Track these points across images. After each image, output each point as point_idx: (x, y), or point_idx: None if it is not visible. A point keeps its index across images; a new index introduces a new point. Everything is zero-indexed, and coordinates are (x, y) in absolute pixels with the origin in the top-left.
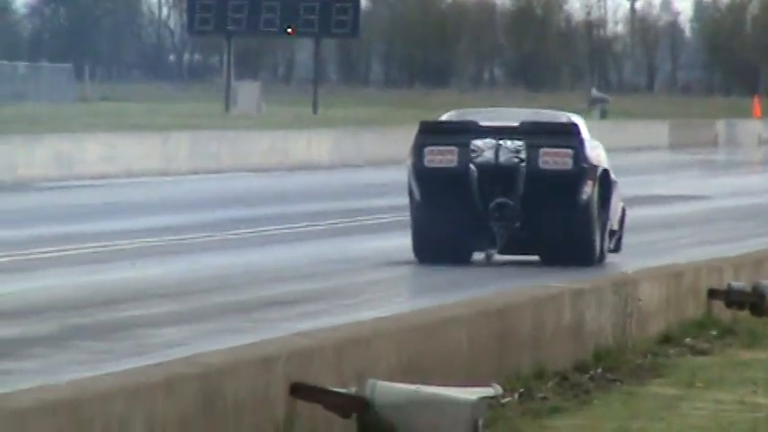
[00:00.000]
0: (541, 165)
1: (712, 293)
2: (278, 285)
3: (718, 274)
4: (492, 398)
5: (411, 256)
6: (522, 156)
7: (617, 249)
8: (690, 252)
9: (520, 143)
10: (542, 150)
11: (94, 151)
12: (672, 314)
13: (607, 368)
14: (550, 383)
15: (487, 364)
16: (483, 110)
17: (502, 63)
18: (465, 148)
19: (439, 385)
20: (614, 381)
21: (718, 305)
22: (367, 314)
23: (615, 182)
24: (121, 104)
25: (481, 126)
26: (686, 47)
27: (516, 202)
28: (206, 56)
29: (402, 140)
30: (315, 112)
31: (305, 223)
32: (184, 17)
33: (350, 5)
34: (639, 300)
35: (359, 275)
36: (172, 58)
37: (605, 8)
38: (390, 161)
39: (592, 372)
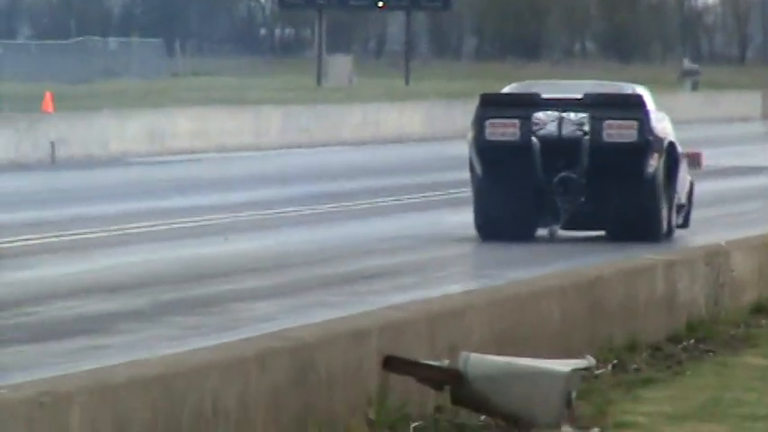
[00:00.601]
0: (605, 137)
1: None
2: (368, 259)
3: None
4: (585, 369)
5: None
6: (586, 128)
7: (685, 224)
8: None
9: (583, 115)
10: (606, 123)
11: (186, 126)
12: (764, 285)
13: (700, 339)
14: (643, 355)
15: (580, 335)
16: (546, 82)
17: (593, 35)
18: (527, 121)
19: (531, 357)
20: (707, 352)
21: None
22: (456, 287)
23: (683, 154)
24: (213, 79)
25: (544, 98)
26: None
27: (580, 175)
28: (297, 30)
29: None
30: (407, 84)
31: (396, 196)
32: None
33: None
34: (732, 271)
35: (448, 249)
36: (263, 32)
37: None
38: None
39: (685, 343)
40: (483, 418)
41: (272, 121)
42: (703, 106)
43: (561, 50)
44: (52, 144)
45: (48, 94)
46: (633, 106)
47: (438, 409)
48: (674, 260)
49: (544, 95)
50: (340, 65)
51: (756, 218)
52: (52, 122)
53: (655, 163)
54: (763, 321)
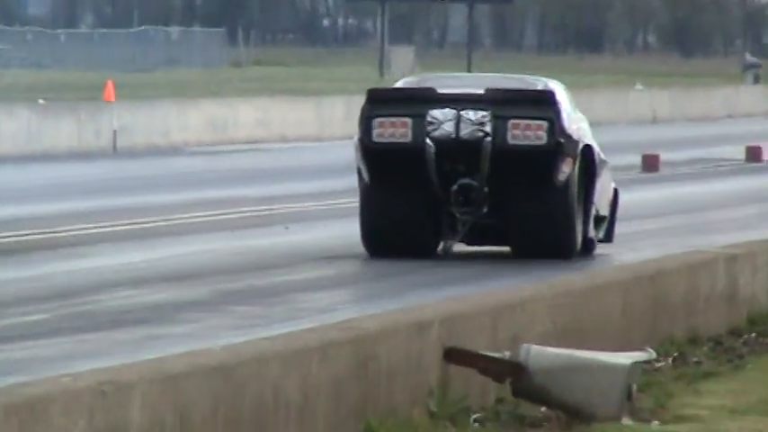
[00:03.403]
0: (510, 139)
1: None
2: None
3: None
4: (646, 362)
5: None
6: (488, 129)
7: (608, 239)
8: None
9: (485, 113)
10: (511, 122)
11: (248, 116)
12: None
13: (761, 333)
14: (704, 348)
15: (641, 329)
16: (445, 75)
17: (655, 28)
18: (420, 120)
19: (593, 350)
20: None
21: None
22: (521, 279)
23: (604, 161)
24: (275, 69)
25: (440, 94)
26: None
27: (481, 183)
28: (360, 20)
29: None
30: None
31: None
32: None
33: None
34: None
35: None
36: (326, 22)
37: None
38: None
39: (746, 336)
40: (543, 410)
41: (334, 112)
42: (765, 100)
43: (623, 43)
44: (114, 133)
45: (109, 83)
46: (543, 104)
47: (499, 400)
48: (735, 254)
49: (441, 90)
50: (403, 56)
51: None
52: (114, 111)
53: (567, 169)
54: None
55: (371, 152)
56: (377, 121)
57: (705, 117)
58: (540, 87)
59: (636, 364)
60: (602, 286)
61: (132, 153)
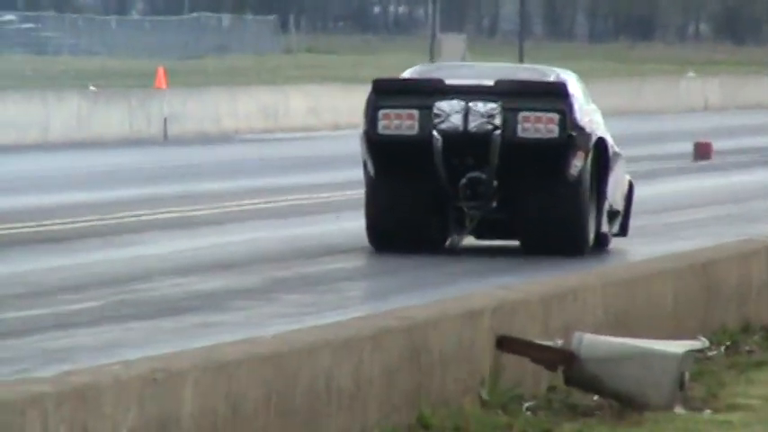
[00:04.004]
0: (520, 132)
1: None
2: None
3: None
4: (699, 351)
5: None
6: (497, 121)
7: (623, 233)
8: None
9: (494, 105)
10: (522, 115)
11: (299, 104)
12: None
13: None
14: (756, 337)
15: (693, 317)
16: (455, 64)
17: (707, 16)
18: (427, 112)
19: (645, 338)
20: None
21: None
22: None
23: (619, 154)
24: (326, 56)
25: (448, 85)
26: None
27: (491, 176)
28: (411, 8)
29: (605, 94)
30: (521, 63)
31: None
32: None
33: None
34: None
35: None
36: (377, 9)
37: None
38: None
39: None
40: (596, 398)
41: None
42: None
43: (675, 31)
44: (165, 120)
45: (160, 70)
46: (554, 96)
47: (551, 389)
48: None
49: (449, 81)
50: (453, 43)
51: None
52: (165, 99)
53: (579, 163)
54: None
55: (377, 145)
56: (382, 112)
57: (757, 105)
58: (551, 79)
59: (688, 352)
60: (654, 275)
61: (183, 140)
